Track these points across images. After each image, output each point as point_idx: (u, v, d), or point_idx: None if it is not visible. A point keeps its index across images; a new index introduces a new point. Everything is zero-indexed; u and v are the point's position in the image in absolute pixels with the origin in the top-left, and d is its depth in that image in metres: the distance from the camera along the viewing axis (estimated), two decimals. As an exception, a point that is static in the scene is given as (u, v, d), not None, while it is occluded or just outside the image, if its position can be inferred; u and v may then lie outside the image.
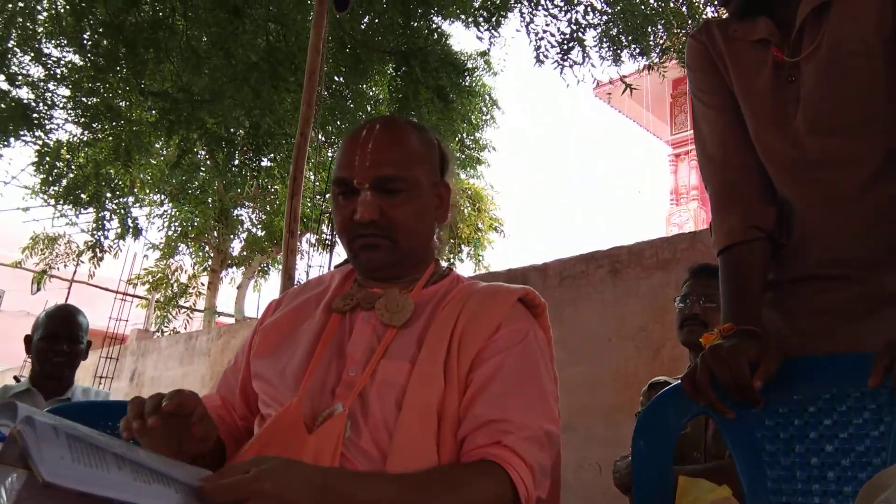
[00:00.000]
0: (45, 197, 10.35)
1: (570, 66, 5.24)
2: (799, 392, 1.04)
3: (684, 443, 1.85)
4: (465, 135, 10.88)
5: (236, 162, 8.40)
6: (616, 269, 4.86)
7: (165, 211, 12.35)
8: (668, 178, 14.46)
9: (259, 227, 12.66)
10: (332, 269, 1.30)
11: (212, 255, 12.92)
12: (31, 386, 2.35)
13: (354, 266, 1.17)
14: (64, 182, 9.35)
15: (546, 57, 5.23)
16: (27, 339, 2.42)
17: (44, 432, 0.76)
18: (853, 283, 1.13)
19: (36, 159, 8.94)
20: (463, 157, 11.48)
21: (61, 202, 9.99)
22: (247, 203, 12.45)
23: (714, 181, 1.27)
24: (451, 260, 13.03)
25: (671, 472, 1.03)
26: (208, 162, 9.54)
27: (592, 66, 5.36)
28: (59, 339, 2.34)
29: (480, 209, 13.40)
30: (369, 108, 7.58)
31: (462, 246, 13.17)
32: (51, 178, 9.30)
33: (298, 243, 11.66)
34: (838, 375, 1.01)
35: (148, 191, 11.56)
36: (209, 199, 11.41)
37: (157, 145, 9.31)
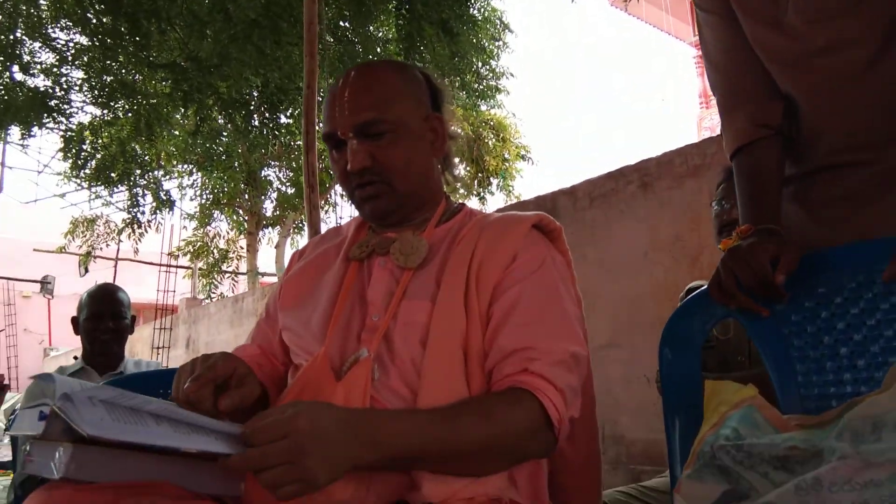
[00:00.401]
0: (77, 181, 10.55)
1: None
2: (823, 284, 1.02)
3: (727, 348, 1.84)
4: (480, 65, 10.64)
5: (255, 123, 8.41)
6: (646, 183, 4.78)
7: (195, 180, 12.51)
8: (696, 81, 14.03)
9: (288, 184, 12.74)
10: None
11: (246, 218, 13.09)
12: (84, 364, 2.45)
13: (363, 217, 1.18)
14: (93, 163, 9.51)
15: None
16: (74, 321, 2.51)
17: (81, 402, 0.79)
18: (865, 165, 1.11)
19: (62, 145, 9.08)
20: (481, 87, 11.27)
21: (93, 184, 10.18)
22: (273, 163, 12.51)
23: (719, 86, 1.25)
24: (482, 193, 12.97)
25: (699, 377, 1.03)
26: (228, 126, 9.57)
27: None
28: (104, 317, 2.42)
29: (505, 139, 13.22)
30: (379, 50, 7.45)
31: (491, 178, 13.07)
32: (80, 162, 9.46)
33: (328, 196, 11.78)
34: (862, 263, 0.99)
35: (175, 162, 11.69)
36: (235, 164, 11.48)
37: (176, 116, 9.35)
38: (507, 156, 13.17)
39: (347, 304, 1.10)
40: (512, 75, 11.55)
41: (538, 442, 0.96)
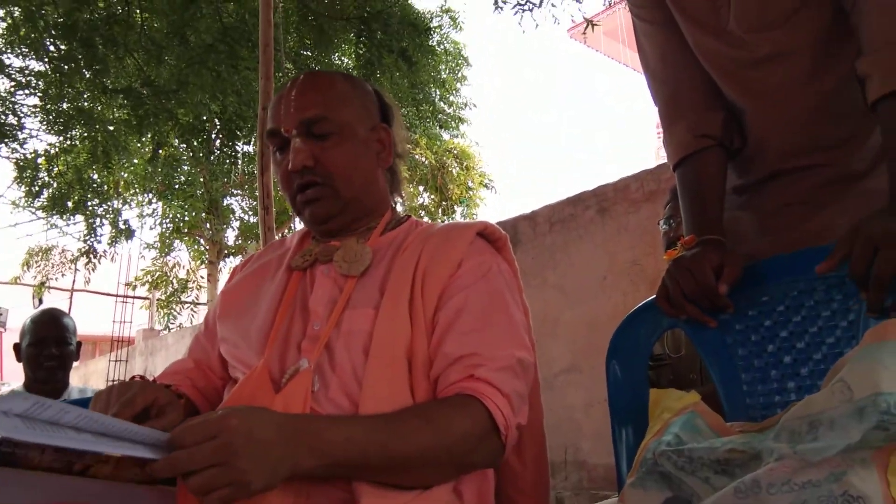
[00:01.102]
0: (32, 210, 10.29)
1: (531, 10, 5.14)
2: (766, 293, 1.02)
3: (680, 366, 1.85)
4: (437, 98, 10.76)
5: (216, 151, 8.32)
6: (604, 208, 4.84)
7: (155, 209, 12.30)
8: (653, 110, 14.34)
9: (250, 213, 12.62)
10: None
11: (207, 247, 12.90)
12: (25, 392, 2.35)
13: (304, 223, 1.16)
14: (47, 192, 9.28)
15: (505, 2, 5.13)
16: (16, 347, 2.41)
17: None
18: (820, 168, 1.13)
19: (16, 173, 8.86)
20: (443, 117, 11.37)
21: (48, 213, 9.93)
22: (235, 191, 12.38)
23: (659, 96, 1.26)
24: (446, 220, 13.01)
25: (646, 390, 1.02)
26: (188, 153, 9.46)
27: (553, 5, 5.26)
28: (47, 343, 2.33)
29: (469, 167, 13.32)
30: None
31: (455, 206, 13.13)
32: (34, 190, 9.23)
33: (290, 225, 11.67)
34: (803, 271, 1.00)
35: (134, 190, 11.48)
36: (197, 192, 11.34)
37: (134, 143, 9.22)
38: (470, 184, 13.26)
39: (288, 314, 1.07)
40: (474, 105, 11.72)
41: (485, 448, 0.93)
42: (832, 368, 0.75)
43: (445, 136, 12.17)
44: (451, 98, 11.21)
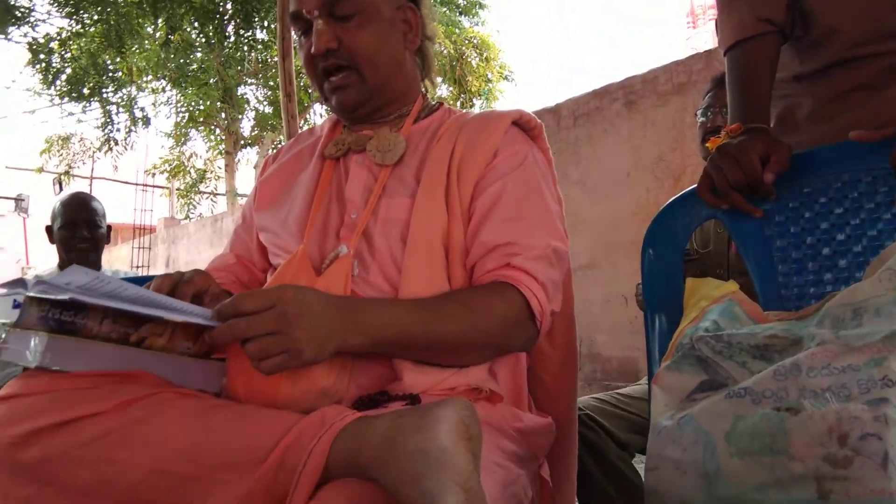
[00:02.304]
0: (49, 95, 10.23)
1: None
2: (809, 184, 1.01)
3: (707, 260, 1.84)
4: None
5: (230, 36, 8.13)
6: (631, 101, 4.72)
7: (169, 97, 12.17)
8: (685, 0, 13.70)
9: (265, 103, 12.45)
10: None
11: (223, 137, 12.84)
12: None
13: (332, 111, 1.14)
14: (63, 77, 9.19)
15: None
16: (48, 230, 2.46)
17: (56, 287, 0.78)
18: (889, 55, 1.08)
19: (29, 56, 8.75)
20: (463, 3, 10.94)
21: (65, 99, 9.88)
22: (249, 80, 12.18)
23: None
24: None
25: (681, 279, 1.03)
26: (201, 39, 9.24)
27: None
28: (79, 225, 2.36)
29: (488, 58, 12.93)
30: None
31: (473, 100, 12.86)
32: (49, 76, 9.14)
33: (307, 115, 11.53)
34: (847, 162, 0.98)
35: (148, 77, 11.33)
36: (211, 80, 11.17)
37: (147, 28, 9.00)
38: (490, 76, 12.92)
39: (325, 203, 1.07)
40: (495, -12, 11.22)
41: (520, 333, 0.96)
42: (877, 258, 0.75)
43: (465, 22, 11.76)
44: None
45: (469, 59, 12.62)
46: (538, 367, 1.11)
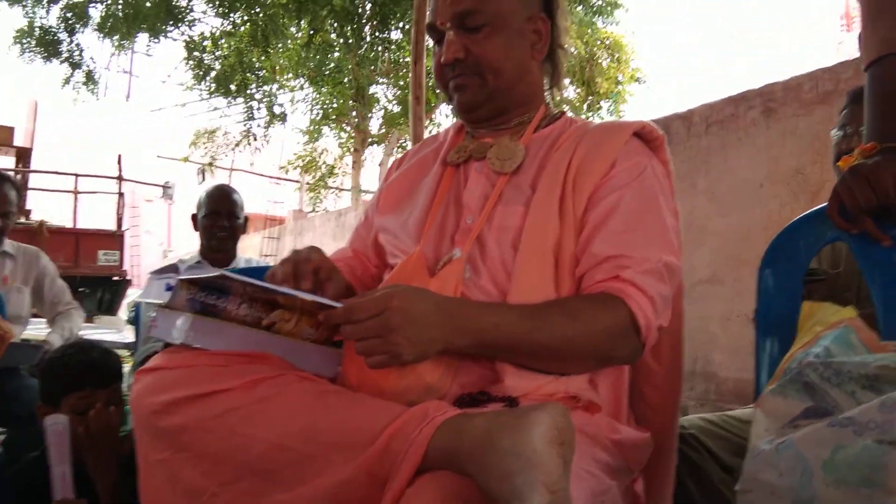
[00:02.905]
0: (200, 90, 11.04)
1: None
2: (947, 211, 0.95)
3: (836, 282, 1.74)
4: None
5: (366, 37, 8.46)
6: (770, 109, 4.48)
7: (306, 95, 12.79)
8: (840, 0, 12.83)
9: (394, 102, 12.81)
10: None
11: (353, 135, 13.33)
12: (201, 258, 2.64)
13: (455, 112, 1.18)
14: (213, 74, 9.90)
15: None
16: (193, 218, 2.69)
17: (205, 270, 0.89)
18: None
19: (185, 54, 9.49)
20: (599, 3, 10.74)
21: (213, 94, 10.62)
22: (381, 80, 12.56)
23: None
24: (591, 117, 12.58)
25: (799, 300, 1.00)
26: (340, 41, 9.65)
27: None
28: (220, 215, 2.58)
29: (620, 60, 12.61)
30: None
31: (601, 102, 12.60)
32: (200, 73, 9.86)
33: (433, 115, 11.76)
34: None
35: (288, 75, 11.96)
36: (345, 80, 11.64)
37: (291, 29, 9.52)
38: (620, 77, 12.61)
39: (443, 207, 1.12)
40: (634, -12, 10.93)
41: (624, 346, 0.96)
42: None
43: (599, 22, 11.54)
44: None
45: (600, 60, 12.38)
46: (641, 381, 1.10)
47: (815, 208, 1.04)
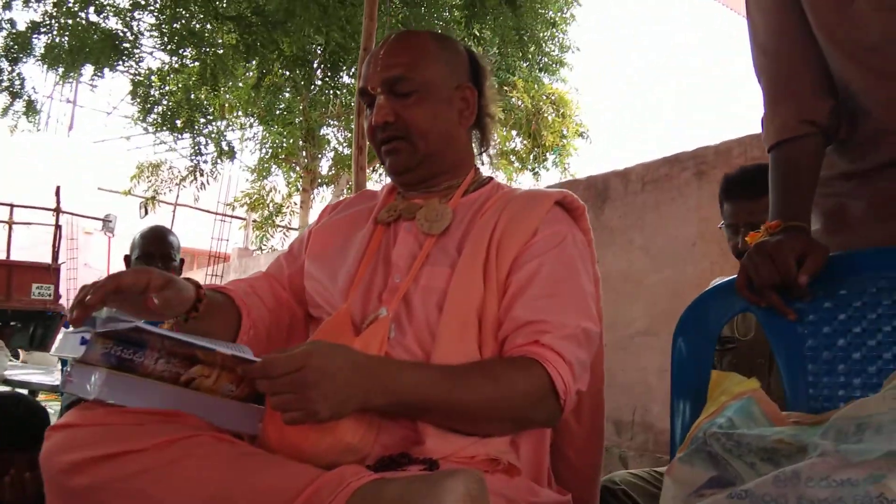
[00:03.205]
0: (144, 125, 10.87)
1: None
2: (846, 287, 1.01)
3: (746, 349, 1.80)
4: (545, 36, 10.47)
5: (317, 81, 8.50)
6: (702, 171, 4.68)
7: (256, 133, 12.74)
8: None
9: (345, 144, 12.86)
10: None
11: (302, 175, 13.29)
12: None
13: (386, 173, 1.22)
14: (159, 109, 9.76)
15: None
16: (126, 260, 2.63)
17: (122, 325, 0.87)
18: None
19: (131, 88, 9.35)
20: (545, 61, 11.10)
21: (159, 129, 10.45)
22: (332, 122, 12.62)
23: (766, 73, 1.21)
24: (536, 168, 12.87)
25: (709, 369, 1.04)
26: (290, 83, 9.68)
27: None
28: (154, 258, 2.52)
29: (565, 115, 13.00)
30: (445, 14, 7.40)
31: (547, 154, 12.92)
32: (147, 106, 9.72)
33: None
34: (886, 268, 0.98)
35: (238, 113, 11.91)
36: (296, 120, 11.64)
37: (240, 68, 9.52)
38: (565, 132, 12.98)
39: (371, 265, 1.14)
40: (577, 49, 11.34)
41: (543, 409, 0.99)
42: (892, 374, 0.75)
43: (545, 79, 11.90)
44: (559, 38, 10.87)
45: (545, 115, 12.73)
46: (563, 442, 1.13)
47: (721, 281, 1.10)
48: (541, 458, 1.06)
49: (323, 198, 14.07)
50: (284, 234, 14.77)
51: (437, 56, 1.16)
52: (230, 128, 12.24)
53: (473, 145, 1.24)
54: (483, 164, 1.25)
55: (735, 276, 1.08)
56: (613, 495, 1.52)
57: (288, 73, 7.82)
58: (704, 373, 1.05)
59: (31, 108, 9.03)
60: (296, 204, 14.32)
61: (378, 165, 11.88)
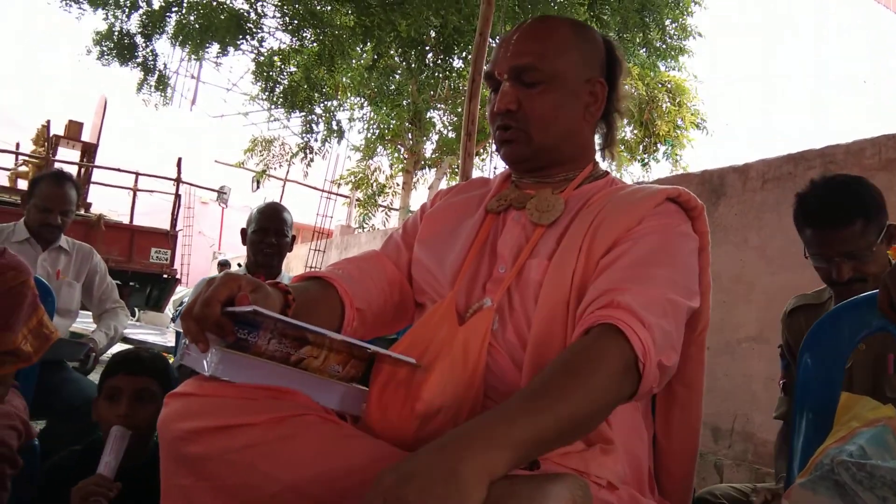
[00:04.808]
0: (263, 102, 11.35)
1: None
2: None
3: (848, 378, 1.63)
4: (669, 21, 10.06)
5: (429, 63, 8.60)
6: (829, 171, 4.38)
7: (364, 114, 13.01)
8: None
9: (450, 128, 12.93)
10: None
11: (406, 156, 13.48)
12: (247, 272, 2.69)
13: (501, 158, 1.19)
14: (279, 89, 10.17)
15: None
16: (243, 232, 2.75)
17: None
18: None
19: (254, 68, 9.78)
20: (664, 46, 10.68)
21: (279, 107, 10.90)
22: (439, 105, 12.71)
23: None
24: (646, 159, 12.45)
25: (839, 388, 0.97)
26: (403, 65, 9.82)
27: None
28: (269, 232, 2.63)
29: (681, 104, 12.46)
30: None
31: (658, 145, 12.46)
32: (269, 85, 10.15)
33: (487, 143, 11.84)
34: None
35: (349, 94, 12.20)
36: (404, 102, 11.80)
37: (356, 49, 9.75)
38: (680, 122, 12.46)
39: (478, 254, 1.13)
40: (700, 35, 10.82)
41: (629, 381, 0.86)
42: None
43: (662, 66, 11.46)
44: (681, 21, 10.39)
45: (660, 103, 12.27)
46: (658, 456, 1.08)
47: (860, 295, 1.02)
48: (642, 466, 1.02)
49: (425, 180, 14.25)
50: (386, 213, 15.07)
51: (571, 46, 1.11)
52: (340, 108, 12.56)
53: (598, 138, 1.20)
54: (604, 159, 1.21)
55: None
56: (713, 509, 1.46)
57: (402, 55, 7.95)
58: (832, 392, 0.99)
59: (162, 83, 9.60)
60: (398, 185, 14.56)
61: (483, 150, 11.90)
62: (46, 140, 9.23)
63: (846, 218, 1.49)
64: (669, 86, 12.26)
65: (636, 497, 0.96)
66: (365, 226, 14.32)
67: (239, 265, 2.88)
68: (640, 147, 12.46)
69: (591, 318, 0.90)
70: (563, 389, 0.80)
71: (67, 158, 9.84)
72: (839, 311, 1.05)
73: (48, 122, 9.39)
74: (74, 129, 9.86)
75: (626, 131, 12.31)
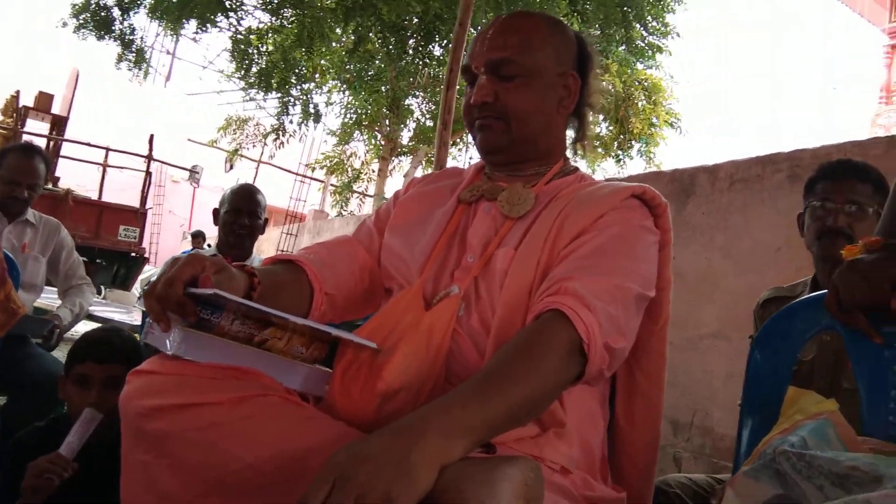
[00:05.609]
0: (237, 81, 11.19)
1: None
2: (942, 314, 0.96)
3: (811, 371, 1.67)
4: (650, 18, 10.11)
5: (409, 50, 8.56)
6: (796, 174, 4.46)
7: (342, 98, 12.90)
8: (881, 72, 12.78)
9: (428, 117, 12.89)
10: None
11: (382, 143, 13.41)
12: (217, 252, 2.68)
13: (476, 149, 1.21)
14: (255, 68, 10.04)
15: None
16: (215, 212, 2.74)
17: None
18: None
19: (231, 46, 9.64)
20: (642, 45, 10.75)
21: (253, 87, 10.76)
22: (417, 93, 12.65)
23: None
24: (620, 156, 12.57)
25: (786, 385, 1.01)
26: (383, 50, 9.76)
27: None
28: (241, 213, 2.62)
29: (656, 102, 12.59)
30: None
31: (633, 142, 12.58)
32: (245, 64, 10.01)
33: (464, 133, 11.83)
34: None
35: (327, 78, 12.08)
36: (383, 88, 11.73)
37: (336, 32, 9.66)
38: (654, 120, 12.59)
39: (448, 243, 1.15)
40: (678, 34, 10.91)
41: (574, 363, 0.89)
42: None
43: (639, 65, 11.54)
44: (662, 18, 10.46)
45: (636, 101, 12.37)
46: (618, 442, 1.12)
47: (810, 295, 1.06)
48: (593, 449, 1.04)
49: (401, 167, 14.20)
50: (361, 200, 15.00)
51: (547, 41, 1.13)
52: (317, 90, 12.44)
53: (569, 133, 1.22)
54: (575, 153, 1.23)
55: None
56: (667, 497, 1.50)
57: (382, 40, 7.89)
58: (780, 387, 1.02)
59: (140, 58, 9.42)
60: (374, 171, 14.49)
61: (459, 140, 11.90)
62: (15, 111, 9.03)
63: (863, 172, 1.64)
64: (646, 84, 12.37)
65: (589, 481, 0.99)
66: (343, 212, 14.24)
67: (209, 245, 2.86)
68: (615, 143, 12.56)
69: (541, 304, 0.93)
70: (513, 373, 0.83)
71: (36, 131, 9.64)
72: (792, 309, 1.09)
73: (17, 92, 9.19)
74: (45, 100, 9.67)
75: (602, 127, 12.41)
